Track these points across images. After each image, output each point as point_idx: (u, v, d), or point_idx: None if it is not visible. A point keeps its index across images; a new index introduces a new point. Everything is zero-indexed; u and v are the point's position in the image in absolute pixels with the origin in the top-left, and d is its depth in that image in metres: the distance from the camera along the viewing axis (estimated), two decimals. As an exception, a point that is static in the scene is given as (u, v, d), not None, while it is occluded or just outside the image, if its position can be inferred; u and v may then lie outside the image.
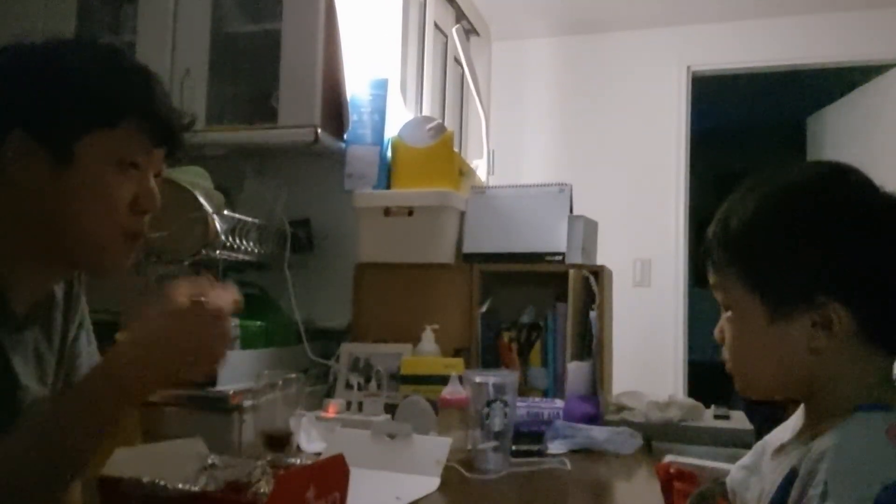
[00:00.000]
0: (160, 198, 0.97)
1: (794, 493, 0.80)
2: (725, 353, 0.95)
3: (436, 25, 2.89)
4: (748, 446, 1.07)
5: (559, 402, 1.74)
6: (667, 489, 1.36)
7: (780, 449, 0.93)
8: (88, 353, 1.12)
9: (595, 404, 1.79)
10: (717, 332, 0.96)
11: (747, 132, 5.65)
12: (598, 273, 1.92)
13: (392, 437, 1.41)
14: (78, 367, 1.10)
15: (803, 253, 0.85)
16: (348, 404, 1.75)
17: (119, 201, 0.93)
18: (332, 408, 1.70)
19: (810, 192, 0.87)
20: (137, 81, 0.95)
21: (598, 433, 1.60)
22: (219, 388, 1.60)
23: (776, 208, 0.88)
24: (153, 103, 0.95)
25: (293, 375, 1.47)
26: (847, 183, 0.87)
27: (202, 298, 0.90)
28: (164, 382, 0.90)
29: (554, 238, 1.99)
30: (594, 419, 1.72)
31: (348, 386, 1.87)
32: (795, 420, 0.97)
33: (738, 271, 0.90)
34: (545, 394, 1.92)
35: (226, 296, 0.92)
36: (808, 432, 0.88)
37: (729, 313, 0.93)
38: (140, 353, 0.87)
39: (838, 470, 0.76)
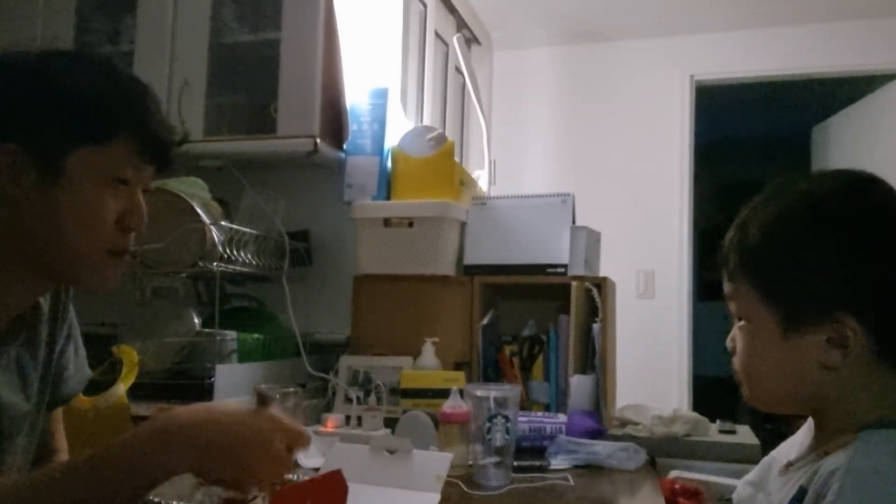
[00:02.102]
0: (147, 214, 0.96)
1: (804, 512, 0.79)
2: (735, 363, 0.94)
3: (437, 34, 2.88)
4: (754, 462, 1.05)
5: (562, 417, 1.72)
6: (672, 506, 1.34)
7: (789, 466, 0.91)
8: (76, 365, 1.11)
9: (598, 419, 1.77)
10: (728, 341, 0.95)
11: (751, 142, 5.64)
12: (601, 285, 1.90)
13: (391, 452, 1.38)
14: (65, 380, 1.08)
15: (823, 267, 0.83)
16: (347, 418, 1.72)
17: (106, 218, 0.92)
18: (331, 422, 1.68)
19: (834, 204, 0.85)
20: (131, 97, 0.94)
21: (601, 448, 1.58)
22: (216, 401, 1.58)
23: (797, 219, 0.85)
24: (146, 120, 0.93)
25: (291, 389, 1.46)
26: (872, 195, 0.85)
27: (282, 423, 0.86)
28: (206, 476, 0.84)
29: (556, 249, 1.97)
30: (597, 434, 1.70)
31: (347, 400, 1.85)
32: (803, 435, 0.95)
33: (754, 282, 0.87)
34: (547, 408, 1.89)
35: (301, 433, 0.88)
36: (818, 450, 0.87)
37: (742, 323, 0.91)
38: (196, 451, 0.81)
39: (849, 489, 0.74)
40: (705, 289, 4.61)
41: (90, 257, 0.92)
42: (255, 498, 1.08)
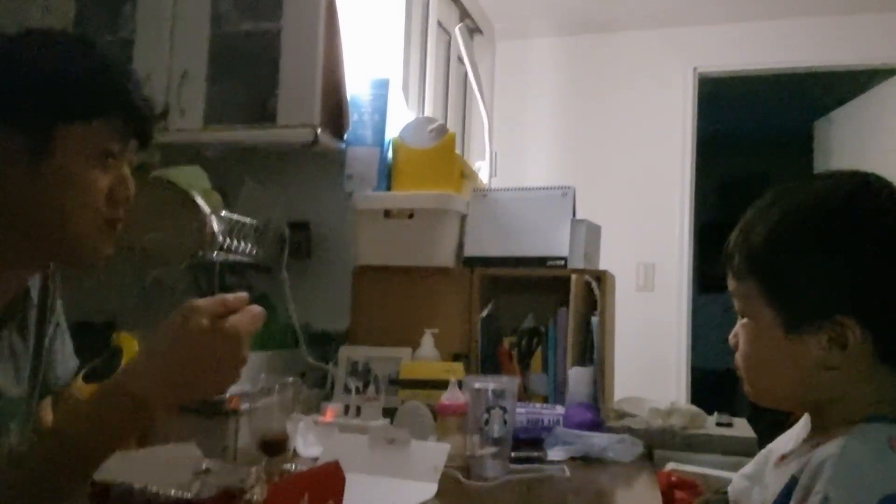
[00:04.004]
0: (134, 186, 0.97)
1: (793, 500, 0.80)
2: (738, 359, 0.95)
3: (439, 24, 2.87)
4: (751, 454, 1.06)
5: (559, 409, 1.73)
6: (668, 498, 1.35)
7: (783, 458, 0.92)
8: (64, 355, 1.11)
9: (596, 411, 1.78)
10: (731, 337, 0.96)
11: (753, 136, 5.62)
12: (601, 278, 1.90)
13: (390, 442, 1.39)
14: (54, 369, 1.09)
15: (824, 270, 0.84)
16: (346, 409, 1.73)
17: (97, 192, 0.93)
18: (330, 412, 1.68)
19: (835, 209, 0.86)
20: (114, 72, 0.95)
21: (598, 440, 1.59)
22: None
23: (799, 223, 0.87)
24: (129, 94, 0.95)
25: (290, 379, 1.46)
26: (874, 198, 0.86)
27: (225, 318, 0.86)
28: (180, 401, 0.88)
29: (556, 242, 1.97)
30: (595, 426, 1.70)
31: (346, 390, 1.86)
32: (799, 429, 0.96)
33: (758, 282, 0.89)
34: (546, 400, 1.90)
35: (247, 316, 0.88)
36: (812, 442, 0.88)
37: (745, 320, 0.93)
38: (160, 371, 0.84)
39: (839, 478, 0.75)
40: (705, 282, 4.61)
41: (87, 229, 0.93)
42: (252, 487, 1.09)
